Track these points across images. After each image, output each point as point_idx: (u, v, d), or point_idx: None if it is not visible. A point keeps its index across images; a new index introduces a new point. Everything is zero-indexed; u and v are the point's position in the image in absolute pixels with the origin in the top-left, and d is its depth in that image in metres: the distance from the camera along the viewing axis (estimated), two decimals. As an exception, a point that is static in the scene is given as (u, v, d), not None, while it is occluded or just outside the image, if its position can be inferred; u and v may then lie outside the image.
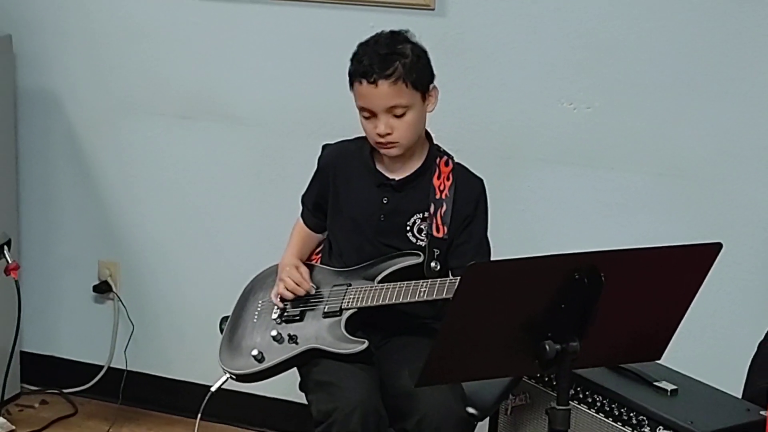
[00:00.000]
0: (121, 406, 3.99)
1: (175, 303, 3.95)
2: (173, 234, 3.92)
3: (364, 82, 2.81)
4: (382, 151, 2.89)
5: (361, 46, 2.88)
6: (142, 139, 3.88)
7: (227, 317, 3.08)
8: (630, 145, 3.38)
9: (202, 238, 3.88)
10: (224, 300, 3.14)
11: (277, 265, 3.06)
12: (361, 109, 2.86)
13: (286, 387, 3.10)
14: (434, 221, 2.89)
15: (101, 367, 4.05)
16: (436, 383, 2.52)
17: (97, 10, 3.85)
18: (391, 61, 2.80)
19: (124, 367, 4.01)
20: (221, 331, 3.07)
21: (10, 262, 3.04)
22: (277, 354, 2.89)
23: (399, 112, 2.82)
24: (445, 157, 2.96)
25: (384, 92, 2.80)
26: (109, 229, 3.99)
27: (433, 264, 2.86)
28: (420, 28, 3.00)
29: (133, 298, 3.99)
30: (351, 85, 2.86)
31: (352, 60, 2.86)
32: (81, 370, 4.07)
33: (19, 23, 3.90)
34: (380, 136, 2.84)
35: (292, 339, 2.89)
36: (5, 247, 3.02)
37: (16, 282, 3.03)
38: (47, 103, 3.95)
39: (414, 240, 2.92)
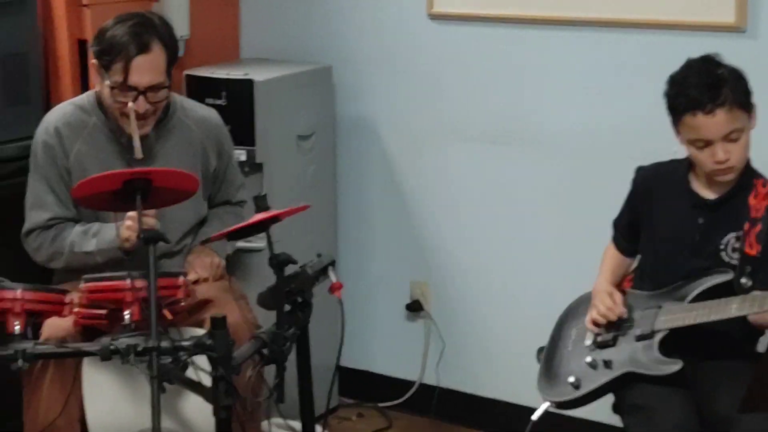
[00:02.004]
0: (433, 420, 4.10)
1: (483, 323, 4.01)
2: (480, 257, 3.99)
3: (699, 113, 2.81)
4: (718, 177, 2.88)
5: (675, 79, 2.88)
6: (453, 164, 3.99)
7: (543, 347, 3.13)
8: None
9: (509, 263, 3.93)
10: (533, 322, 3.20)
11: (588, 293, 3.10)
12: (694, 141, 2.85)
13: (600, 409, 3.12)
14: (747, 238, 2.86)
15: (413, 382, 4.17)
16: (761, 410, 2.48)
17: (409, 41, 3.99)
18: (720, 88, 2.80)
19: (435, 384, 4.13)
20: (538, 360, 3.13)
21: (334, 281, 3.19)
22: (593, 380, 2.93)
23: (735, 136, 2.82)
24: (762, 179, 2.92)
25: (721, 120, 2.80)
26: (420, 250, 4.12)
27: (743, 280, 2.83)
28: (728, 50, 2.96)
29: (443, 317, 4.10)
30: (676, 119, 2.87)
31: (670, 95, 2.86)
32: (394, 385, 4.21)
33: (338, 55, 4.10)
34: (719, 163, 2.83)
35: (607, 364, 2.92)
36: (330, 267, 3.17)
37: (340, 301, 3.17)
38: (364, 130, 4.13)
39: (727, 259, 2.90)
